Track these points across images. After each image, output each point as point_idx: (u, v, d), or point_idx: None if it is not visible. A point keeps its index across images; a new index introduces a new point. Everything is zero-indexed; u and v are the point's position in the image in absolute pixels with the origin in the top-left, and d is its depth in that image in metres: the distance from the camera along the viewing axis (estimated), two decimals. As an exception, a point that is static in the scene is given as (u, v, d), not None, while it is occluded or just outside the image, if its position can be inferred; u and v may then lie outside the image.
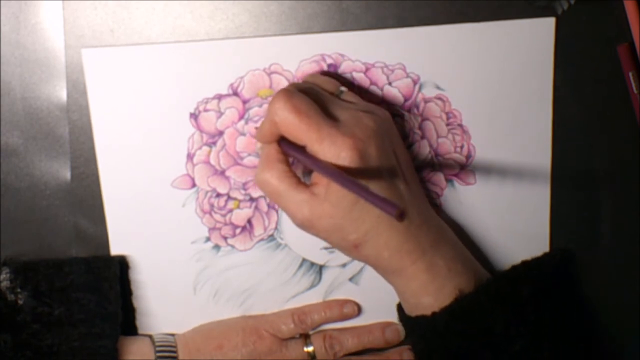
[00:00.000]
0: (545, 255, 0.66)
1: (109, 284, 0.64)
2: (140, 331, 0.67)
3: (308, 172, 0.63)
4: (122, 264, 0.65)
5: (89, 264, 0.64)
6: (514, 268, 0.63)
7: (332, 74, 0.63)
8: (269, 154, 0.59)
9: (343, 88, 0.61)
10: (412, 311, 0.62)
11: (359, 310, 0.68)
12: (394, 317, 0.68)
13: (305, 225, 0.58)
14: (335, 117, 0.58)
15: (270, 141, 0.59)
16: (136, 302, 0.67)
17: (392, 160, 0.59)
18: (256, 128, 0.63)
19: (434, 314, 0.59)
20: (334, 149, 0.56)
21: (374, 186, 0.57)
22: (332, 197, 0.57)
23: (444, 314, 0.59)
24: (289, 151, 0.59)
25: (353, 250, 0.59)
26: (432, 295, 0.60)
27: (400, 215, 0.50)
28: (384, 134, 0.59)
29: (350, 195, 0.56)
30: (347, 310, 0.68)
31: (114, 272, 0.64)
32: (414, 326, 0.62)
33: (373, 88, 0.64)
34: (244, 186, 0.65)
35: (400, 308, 0.64)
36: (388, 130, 0.60)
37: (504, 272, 0.64)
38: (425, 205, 0.62)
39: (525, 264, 0.64)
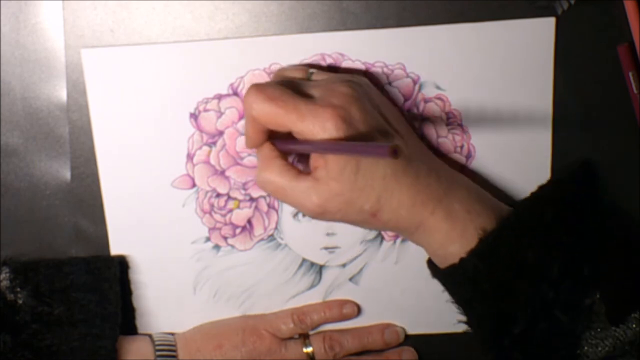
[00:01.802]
0: (562, 172, 0.65)
1: (108, 284, 0.64)
2: (140, 331, 0.67)
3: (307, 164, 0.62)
4: (122, 264, 0.65)
5: (88, 264, 0.64)
6: (533, 195, 0.62)
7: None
8: (264, 154, 0.59)
9: (312, 70, 0.61)
10: (442, 263, 0.60)
11: (358, 310, 0.68)
12: (394, 318, 0.68)
13: (318, 212, 0.58)
14: (310, 96, 0.58)
15: (260, 143, 0.59)
16: (136, 302, 0.67)
17: (379, 119, 0.58)
18: None
19: (461, 260, 0.58)
20: (317, 122, 0.56)
21: None
22: (333, 175, 0.56)
23: (472, 257, 0.58)
24: (282, 146, 0.59)
25: (372, 220, 0.58)
26: (457, 242, 0.58)
27: (394, 152, 0.49)
28: (363, 96, 0.58)
29: (349, 165, 0.56)
30: (347, 311, 0.68)
31: (114, 272, 0.64)
32: (447, 278, 0.61)
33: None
34: (244, 186, 0.65)
35: (431, 264, 0.62)
36: (367, 93, 0.59)
37: (523, 200, 0.62)
38: (429, 155, 0.62)
39: (542, 187, 0.62)
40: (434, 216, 0.58)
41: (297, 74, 0.61)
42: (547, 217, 0.59)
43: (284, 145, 0.59)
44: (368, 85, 0.61)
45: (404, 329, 0.68)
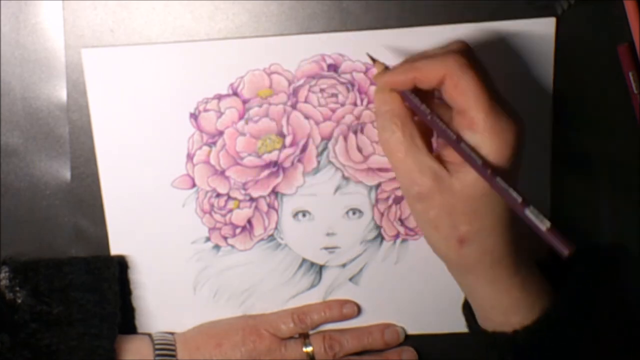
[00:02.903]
0: (593, 251, 0.64)
1: (108, 284, 0.64)
2: (140, 331, 0.67)
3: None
4: (122, 264, 0.65)
5: (88, 263, 0.64)
6: (575, 275, 0.60)
7: None
8: (396, 108, 0.54)
9: None
10: (489, 325, 0.59)
11: (358, 310, 0.68)
12: (393, 318, 0.68)
13: (422, 195, 0.53)
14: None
15: (403, 88, 0.54)
16: (136, 302, 0.67)
17: (519, 165, 0.55)
18: (382, 67, 0.58)
19: (515, 332, 0.57)
20: (499, 125, 0.52)
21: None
22: (464, 178, 0.53)
23: (529, 333, 0.56)
24: (427, 113, 0.54)
25: (455, 244, 0.54)
26: (521, 314, 0.57)
27: (569, 252, 0.47)
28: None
29: (482, 183, 0.52)
30: (347, 311, 0.68)
31: (113, 273, 0.64)
32: (491, 341, 0.59)
33: (373, 88, 0.64)
34: (244, 186, 0.65)
35: (470, 317, 0.61)
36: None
37: (570, 281, 0.60)
38: None
39: (579, 267, 0.60)
40: (510, 280, 0.56)
41: None
42: (595, 300, 0.59)
43: (430, 115, 0.54)
44: None
45: (404, 329, 0.68)
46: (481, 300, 0.58)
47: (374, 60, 0.59)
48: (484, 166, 0.52)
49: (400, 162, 0.54)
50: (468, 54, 0.54)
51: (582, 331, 0.57)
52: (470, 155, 0.52)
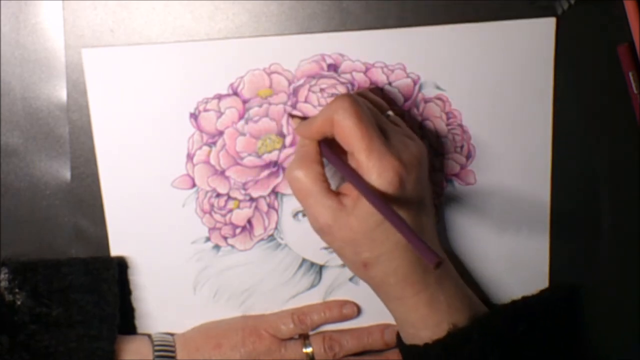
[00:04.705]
0: (546, 291, 0.67)
1: (107, 285, 0.63)
2: (139, 331, 0.67)
3: (339, 178, 0.63)
4: (122, 264, 0.65)
5: (87, 265, 0.64)
6: (512, 303, 0.64)
7: (377, 93, 0.63)
8: (308, 151, 0.59)
9: (390, 112, 0.62)
10: (408, 339, 0.62)
11: (358, 311, 0.68)
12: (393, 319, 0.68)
13: (323, 230, 0.59)
14: (383, 134, 0.58)
15: (314, 138, 0.59)
16: (136, 302, 0.67)
17: (424, 192, 0.60)
18: (298, 122, 0.63)
19: (426, 345, 0.60)
20: (379, 165, 0.56)
21: (403, 215, 0.57)
22: (359, 212, 0.57)
23: (437, 347, 0.60)
24: (329, 155, 0.59)
25: (361, 267, 0.59)
26: (429, 329, 0.60)
27: (437, 265, 0.51)
28: (424, 165, 0.59)
29: (377, 215, 0.56)
30: (347, 311, 0.68)
31: (113, 274, 0.64)
32: (408, 354, 0.63)
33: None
34: (244, 186, 0.65)
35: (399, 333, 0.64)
36: (426, 163, 0.60)
37: (501, 307, 0.64)
38: (436, 240, 0.63)
39: (525, 299, 0.65)
40: (417, 297, 0.60)
41: (378, 106, 0.61)
42: (516, 331, 0.61)
43: (331, 156, 0.59)
44: (427, 154, 0.61)
45: None
46: (394, 314, 0.62)
47: (292, 116, 0.63)
48: (375, 198, 0.55)
49: (304, 200, 0.59)
50: (350, 97, 0.57)
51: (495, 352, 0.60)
52: (362, 190, 0.56)
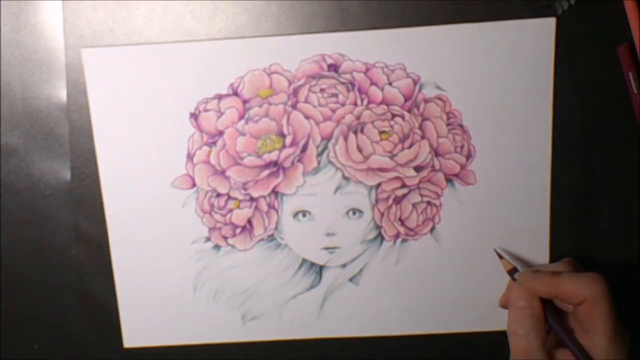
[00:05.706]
0: None
1: None
2: (139, 331, 0.67)
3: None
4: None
5: None
6: None
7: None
8: (537, 312, 0.60)
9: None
10: None
11: (358, 311, 0.68)
12: (393, 318, 0.68)
13: None
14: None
15: (538, 294, 0.60)
16: (135, 302, 0.67)
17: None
18: (508, 265, 0.64)
19: None
20: (614, 352, 0.57)
21: None
22: None
23: None
24: (554, 319, 0.61)
25: None
26: None
27: None
28: None
29: None
30: None
31: None
32: None
33: (373, 88, 0.64)
34: (244, 186, 0.65)
35: None
36: None
37: None
38: None
39: None
40: None
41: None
42: None
43: (557, 322, 0.61)
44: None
45: None
46: None
47: (500, 256, 0.64)
48: None
49: (519, 354, 0.59)
50: (607, 283, 0.59)
51: None
52: None
